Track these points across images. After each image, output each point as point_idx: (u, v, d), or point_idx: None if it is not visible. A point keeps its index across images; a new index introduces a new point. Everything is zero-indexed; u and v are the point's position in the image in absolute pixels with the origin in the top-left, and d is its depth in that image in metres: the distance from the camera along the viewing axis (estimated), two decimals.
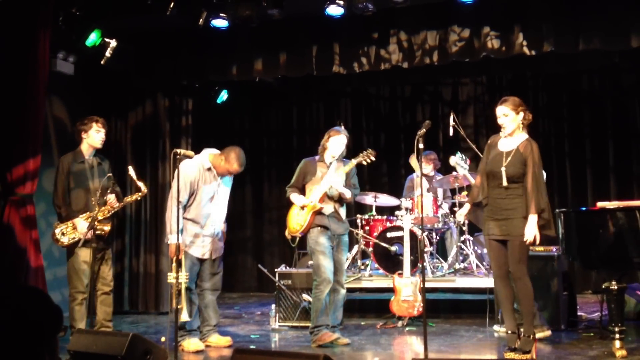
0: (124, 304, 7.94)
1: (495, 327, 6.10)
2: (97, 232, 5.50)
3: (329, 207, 5.71)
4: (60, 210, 5.63)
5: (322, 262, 5.61)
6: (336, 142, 5.76)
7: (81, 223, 5.51)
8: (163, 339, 5.61)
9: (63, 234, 5.52)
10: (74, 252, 5.56)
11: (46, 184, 7.30)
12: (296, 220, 5.76)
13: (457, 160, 5.93)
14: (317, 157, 5.88)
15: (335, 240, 5.75)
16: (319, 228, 5.68)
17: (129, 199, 5.81)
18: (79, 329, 5.21)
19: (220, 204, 5.73)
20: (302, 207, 5.72)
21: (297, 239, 5.97)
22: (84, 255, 5.54)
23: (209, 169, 5.61)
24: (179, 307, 5.08)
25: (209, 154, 5.69)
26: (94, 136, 5.72)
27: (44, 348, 1.98)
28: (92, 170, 5.72)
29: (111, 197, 5.59)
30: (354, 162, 5.77)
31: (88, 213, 5.54)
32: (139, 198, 5.82)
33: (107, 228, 5.65)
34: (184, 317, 5.33)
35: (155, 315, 7.74)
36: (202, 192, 5.55)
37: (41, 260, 6.26)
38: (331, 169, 5.75)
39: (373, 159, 5.83)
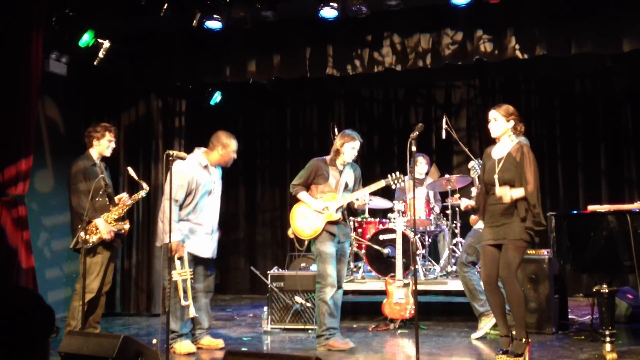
0: (116, 305, 7.91)
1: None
2: (119, 230, 5.66)
3: (339, 214, 5.68)
4: (82, 212, 5.52)
5: (328, 269, 5.55)
6: (352, 148, 5.69)
7: (103, 224, 5.56)
8: (154, 341, 5.59)
9: (87, 235, 5.53)
10: (94, 252, 5.61)
11: (38, 185, 7.28)
12: (308, 225, 5.65)
13: (474, 165, 5.89)
14: (327, 160, 5.77)
15: (340, 249, 5.71)
16: (328, 234, 5.62)
17: (136, 196, 5.84)
18: (70, 330, 5.19)
19: (216, 201, 5.75)
20: (318, 212, 5.63)
21: (305, 242, 5.90)
22: (105, 255, 5.65)
23: (206, 167, 5.62)
24: (187, 303, 5.26)
25: (202, 152, 5.69)
26: (105, 145, 5.81)
27: (36, 350, 1.96)
28: (103, 173, 5.76)
29: (124, 196, 5.79)
30: (382, 183, 5.66)
31: (107, 214, 5.63)
32: (144, 196, 5.87)
33: (127, 226, 5.78)
34: (192, 312, 5.34)
35: (147, 317, 7.72)
36: (200, 190, 5.55)
37: (32, 261, 6.24)
38: (344, 176, 5.71)
39: (403, 183, 5.77)
